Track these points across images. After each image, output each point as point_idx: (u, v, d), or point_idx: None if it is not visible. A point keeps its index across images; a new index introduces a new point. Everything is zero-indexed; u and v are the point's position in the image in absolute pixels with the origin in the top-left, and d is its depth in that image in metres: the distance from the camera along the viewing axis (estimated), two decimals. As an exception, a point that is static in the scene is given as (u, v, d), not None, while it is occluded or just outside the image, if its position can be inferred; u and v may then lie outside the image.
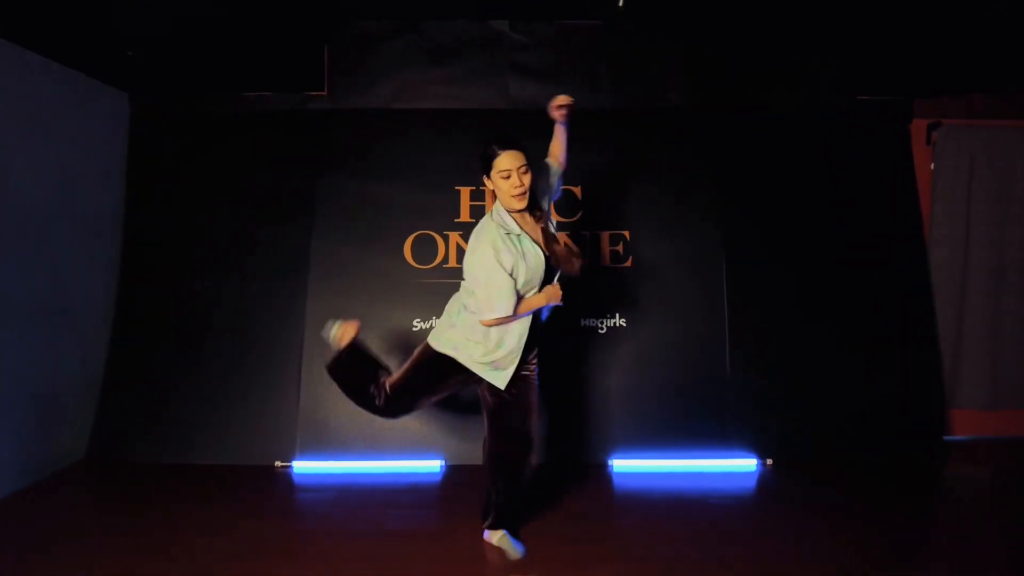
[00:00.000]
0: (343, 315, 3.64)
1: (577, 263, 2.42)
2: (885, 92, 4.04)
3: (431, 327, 3.67)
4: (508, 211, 2.36)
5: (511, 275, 2.28)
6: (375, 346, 3.68)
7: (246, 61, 3.75)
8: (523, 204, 2.33)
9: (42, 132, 3.32)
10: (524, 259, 2.33)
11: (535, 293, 2.39)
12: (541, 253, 2.37)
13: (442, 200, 3.84)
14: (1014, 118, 4.03)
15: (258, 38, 3.59)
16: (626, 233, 3.83)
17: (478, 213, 3.80)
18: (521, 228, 2.36)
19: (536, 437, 2.55)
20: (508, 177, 2.29)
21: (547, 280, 2.43)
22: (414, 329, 3.71)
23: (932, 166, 4.06)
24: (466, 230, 3.80)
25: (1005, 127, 4.02)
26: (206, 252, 3.84)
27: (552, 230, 2.49)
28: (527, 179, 2.32)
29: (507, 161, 2.29)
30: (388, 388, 2.54)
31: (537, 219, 2.44)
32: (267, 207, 3.86)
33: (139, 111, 3.98)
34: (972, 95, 4.03)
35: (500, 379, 2.42)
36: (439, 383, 2.53)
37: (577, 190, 3.86)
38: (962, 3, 3.20)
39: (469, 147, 3.81)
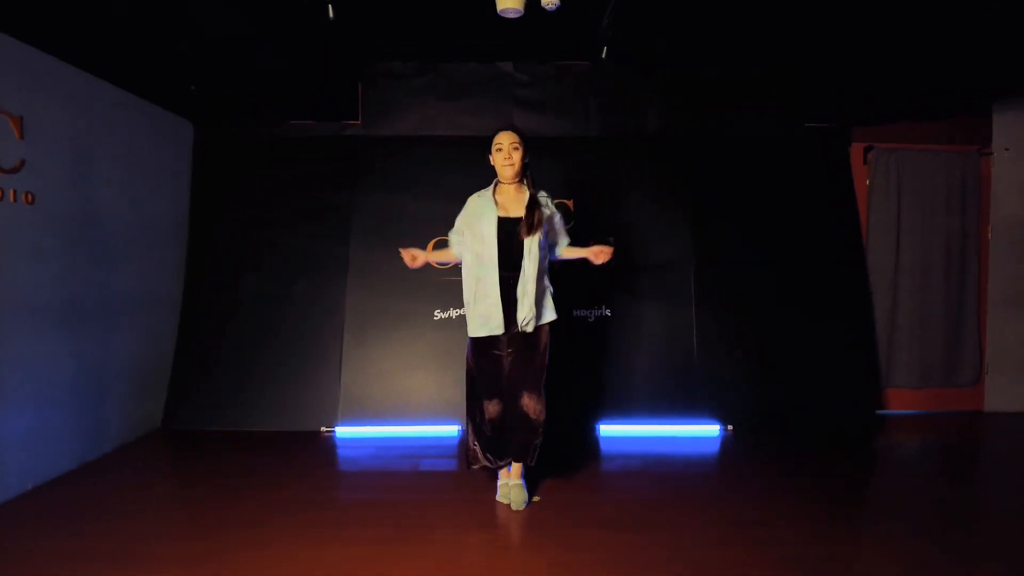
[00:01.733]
0: (376, 308, 4.39)
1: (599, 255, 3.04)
2: (828, 120, 4.79)
3: (449, 317, 4.42)
4: (499, 180, 3.00)
5: (460, 226, 3.08)
6: (403, 333, 4.40)
7: (293, 95, 4.43)
8: (510, 173, 2.96)
9: (124, 155, 3.97)
10: (479, 220, 2.96)
11: (484, 256, 2.92)
12: (495, 220, 2.91)
13: (457, 211, 4.45)
14: (933, 142, 4.81)
15: (303, 76, 4.28)
16: (610, 239, 4.57)
17: (488, 222, 4.53)
18: (494, 196, 2.98)
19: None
20: (500, 150, 2.95)
21: (507, 249, 2.90)
22: (435, 318, 4.43)
23: (868, 183, 4.82)
24: (477, 237, 4.53)
25: (927, 150, 4.79)
26: (260, 256, 4.54)
27: (539, 205, 2.95)
28: (517, 155, 2.92)
29: (501, 137, 2.96)
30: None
31: (521, 190, 3.01)
32: (311, 218, 4.58)
33: (202, 137, 4.71)
34: (900, 123, 4.80)
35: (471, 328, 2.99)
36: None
37: (570, 203, 4.59)
38: (890, 49, 3.93)
39: (479, 167, 4.54)
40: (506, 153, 2.96)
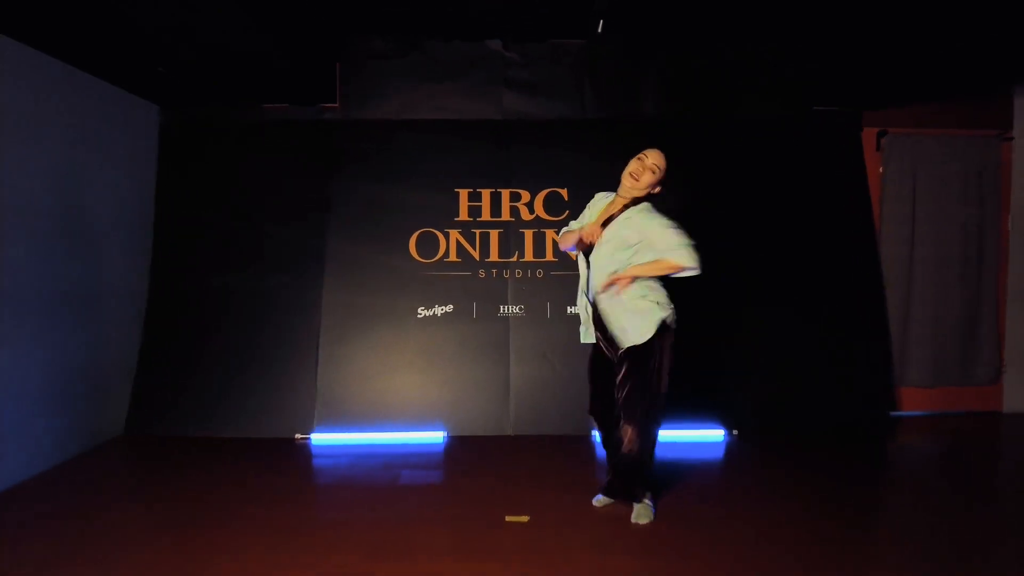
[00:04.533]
0: (355, 305, 4.11)
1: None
2: (838, 103, 4.50)
3: (433, 315, 4.13)
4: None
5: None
6: (384, 333, 4.13)
7: (266, 76, 4.12)
8: (627, 190, 2.78)
9: (82, 140, 3.68)
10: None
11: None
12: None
13: (443, 201, 4.27)
14: (952, 127, 4.53)
15: (276, 55, 3.98)
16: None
17: (475, 212, 4.27)
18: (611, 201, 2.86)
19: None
20: (641, 160, 2.79)
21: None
22: (418, 316, 4.15)
23: (881, 170, 4.54)
24: (464, 228, 4.26)
25: (944, 135, 4.51)
26: (230, 248, 4.24)
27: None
28: (646, 179, 2.74)
29: (650, 152, 2.81)
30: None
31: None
32: (285, 208, 4.28)
33: (168, 121, 4.39)
34: (914, 106, 4.51)
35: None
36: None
37: (564, 192, 4.30)
38: (903, 24, 3.66)
39: (467, 154, 4.32)
40: (638, 169, 2.77)
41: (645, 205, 2.79)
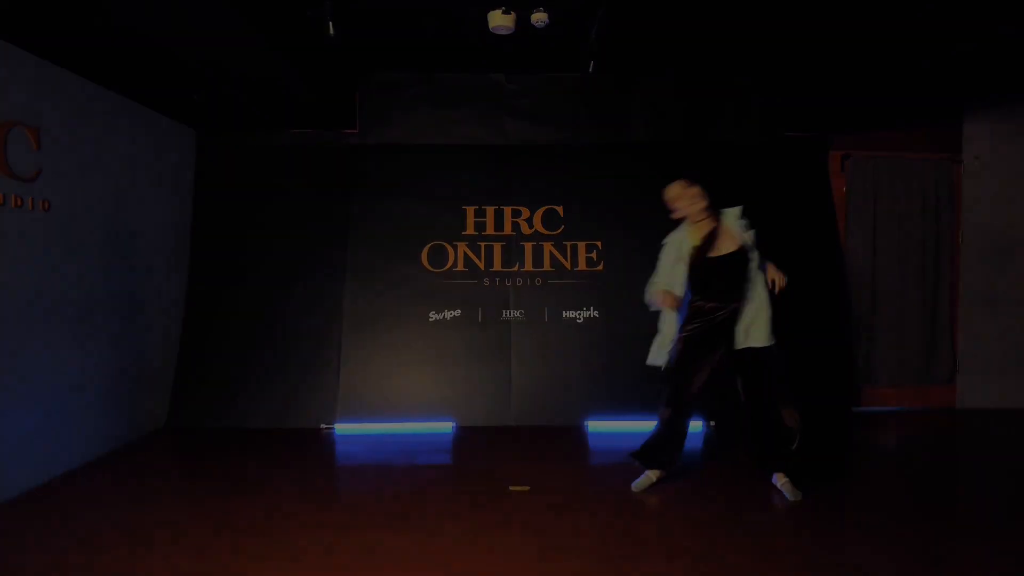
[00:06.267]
0: (374, 309, 4.56)
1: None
2: (807, 129, 5.00)
3: (443, 318, 4.58)
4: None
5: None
6: (399, 334, 4.57)
7: (293, 104, 4.62)
8: (696, 216, 3.32)
9: (130, 161, 4.11)
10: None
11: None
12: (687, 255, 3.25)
13: (451, 217, 4.74)
14: (908, 151, 5.02)
15: (302, 85, 4.44)
16: (599, 243, 4.75)
17: (481, 227, 4.74)
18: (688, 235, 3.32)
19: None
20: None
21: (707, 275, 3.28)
22: (430, 320, 4.61)
23: (845, 189, 5.02)
24: (471, 241, 4.72)
25: (902, 158, 5.00)
26: (261, 258, 4.69)
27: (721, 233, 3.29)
28: (682, 204, 3.33)
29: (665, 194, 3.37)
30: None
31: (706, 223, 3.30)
32: (310, 222, 4.74)
33: (204, 144, 4.87)
34: (876, 132, 5.01)
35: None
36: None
37: (560, 209, 4.77)
38: (866, 61, 4.14)
39: (473, 174, 4.79)
40: (680, 209, 3.36)
41: (724, 211, 3.39)
